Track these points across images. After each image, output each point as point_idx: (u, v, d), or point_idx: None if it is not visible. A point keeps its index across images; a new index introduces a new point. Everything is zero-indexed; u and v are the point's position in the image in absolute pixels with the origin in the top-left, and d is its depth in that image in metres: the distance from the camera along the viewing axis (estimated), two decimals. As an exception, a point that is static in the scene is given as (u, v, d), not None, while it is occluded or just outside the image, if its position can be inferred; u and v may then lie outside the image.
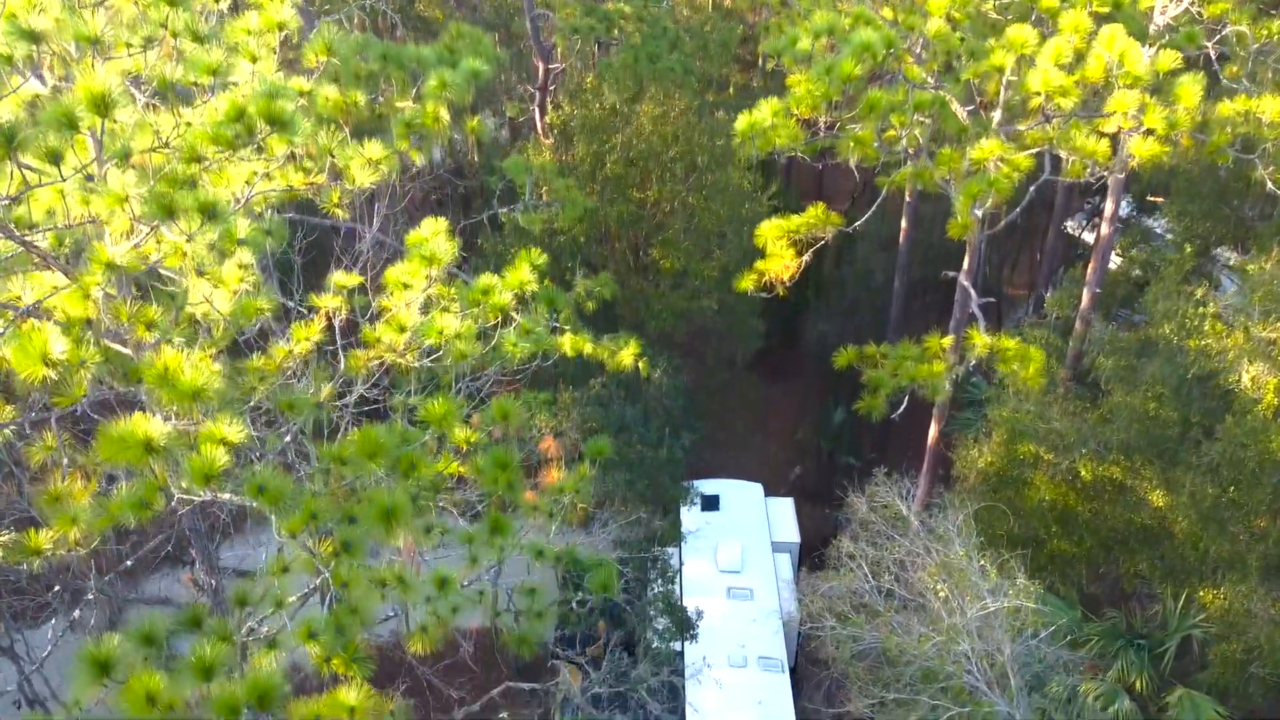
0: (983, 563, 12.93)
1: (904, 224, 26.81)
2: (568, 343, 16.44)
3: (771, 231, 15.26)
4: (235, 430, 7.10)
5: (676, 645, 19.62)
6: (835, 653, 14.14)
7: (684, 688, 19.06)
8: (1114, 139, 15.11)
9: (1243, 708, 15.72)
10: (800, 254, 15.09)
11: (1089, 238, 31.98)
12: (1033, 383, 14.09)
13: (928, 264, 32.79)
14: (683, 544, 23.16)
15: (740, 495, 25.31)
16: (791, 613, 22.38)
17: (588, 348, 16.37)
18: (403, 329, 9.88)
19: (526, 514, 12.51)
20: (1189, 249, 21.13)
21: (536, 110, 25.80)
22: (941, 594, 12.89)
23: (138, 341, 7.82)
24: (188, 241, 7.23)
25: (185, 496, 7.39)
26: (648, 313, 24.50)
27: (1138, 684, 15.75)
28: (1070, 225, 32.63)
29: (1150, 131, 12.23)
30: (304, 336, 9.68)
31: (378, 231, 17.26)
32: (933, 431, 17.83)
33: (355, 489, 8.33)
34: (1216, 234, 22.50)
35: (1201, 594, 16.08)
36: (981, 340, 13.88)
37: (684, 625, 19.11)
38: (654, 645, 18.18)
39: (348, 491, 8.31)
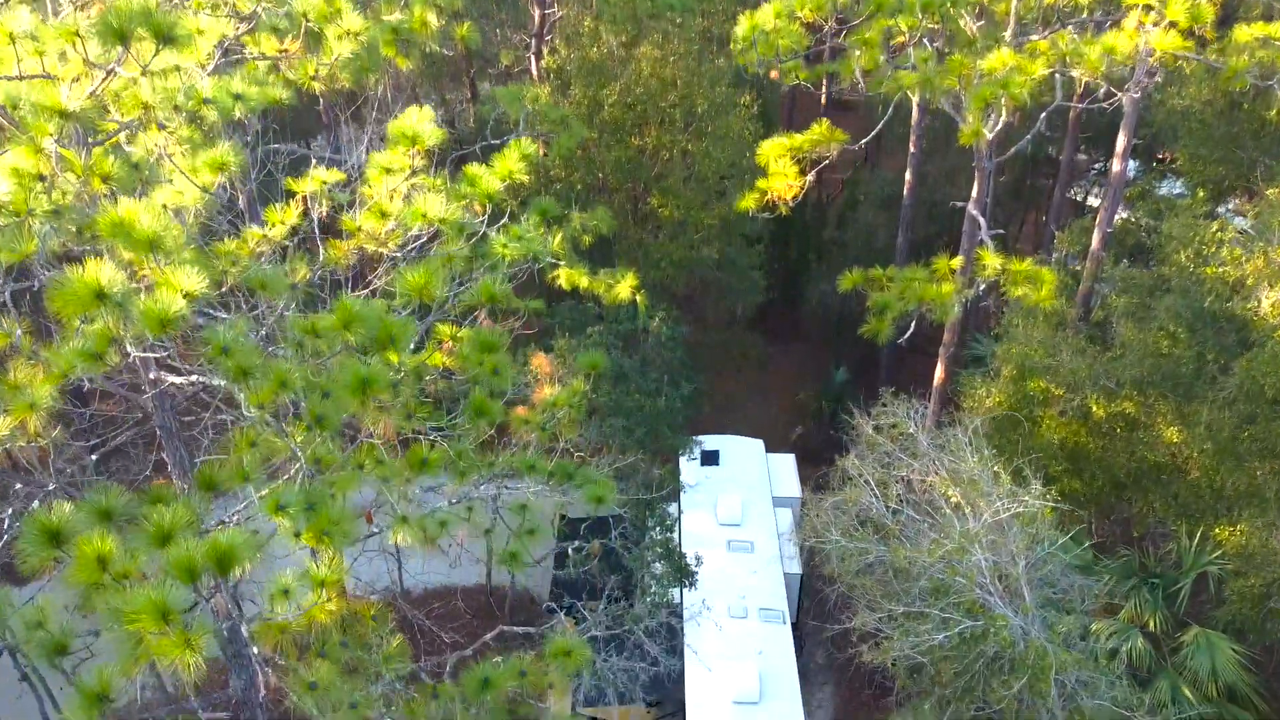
0: (996, 468, 12.39)
1: (908, 177, 26.20)
2: (563, 275, 15.93)
3: (774, 150, 14.70)
4: (195, 279, 6.55)
5: (675, 593, 19.15)
6: (841, 567, 13.57)
7: (682, 630, 18.56)
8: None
9: (1260, 645, 15.22)
10: (804, 174, 14.50)
11: (1095, 203, 31.44)
12: (1045, 303, 13.55)
13: (931, 222, 32.24)
14: (682, 496, 22.67)
15: (740, 450, 24.80)
16: (794, 567, 21.94)
17: (584, 280, 15.83)
18: (384, 215, 9.33)
19: (517, 428, 12.05)
20: (1201, 194, 20.57)
21: (532, 57, 25.20)
22: (953, 499, 12.34)
23: (93, 195, 7.27)
24: (143, 75, 6.67)
25: (143, 355, 6.85)
26: (646, 262, 23.93)
27: (1151, 623, 15.25)
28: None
29: (1173, 24, 11.65)
30: (279, 220, 9.13)
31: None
32: (939, 371, 17.27)
33: (330, 367, 7.78)
34: (1229, 179, 21.93)
35: (1218, 531, 15.57)
36: (992, 259, 13.33)
37: (682, 571, 18.61)
38: (652, 590, 17.68)
39: (322, 370, 7.76)
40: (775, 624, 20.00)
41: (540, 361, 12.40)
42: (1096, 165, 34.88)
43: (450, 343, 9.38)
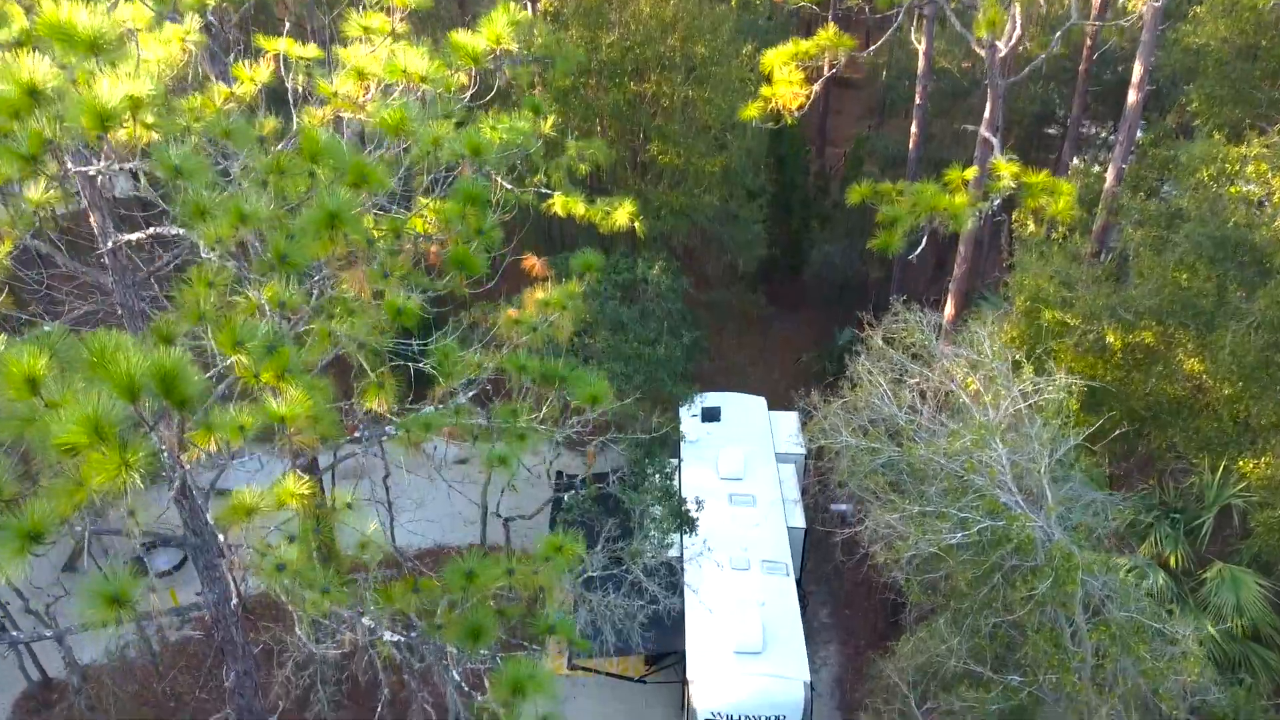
0: (1017, 356, 11.69)
1: (914, 130, 25.54)
2: (559, 203, 15.29)
3: (779, 57, 14.03)
4: (139, 85, 5.89)
5: (675, 539, 18.51)
6: (852, 467, 12.86)
7: (682, 569, 17.90)
8: None
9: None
10: (810, 83, 13.83)
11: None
12: (1064, 215, 12.88)
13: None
14: (682, 449, 22.03)
15: (742, 406, 24.14)
16: (798, 521, 21.28)
17: (580, 209, 15.21)
18: (362, 76, 8.68)
19: (508, 330, 11.41)
20: (1216, 137, 19.92)
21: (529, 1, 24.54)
22: (971, 386, 11.65)
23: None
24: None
25: (81, 171, 6.19)
26: (646, 212, 23.22)
27: (1172, 560, 14.58)
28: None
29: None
30: (248, 78, 8.47)
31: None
32: (949, 308, 16.59)
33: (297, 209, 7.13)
34: (1247, 121, 21.25)
35: (1241, 463, 14.90)
36: (1007, 168, 12.68)
37: (681, 517, 17.96)
38: (651, 533, 17.03)
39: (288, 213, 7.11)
40: (778, 575, 19.34)
41: (532, 263, 11.75)
42: (1100, 136, 34.26)
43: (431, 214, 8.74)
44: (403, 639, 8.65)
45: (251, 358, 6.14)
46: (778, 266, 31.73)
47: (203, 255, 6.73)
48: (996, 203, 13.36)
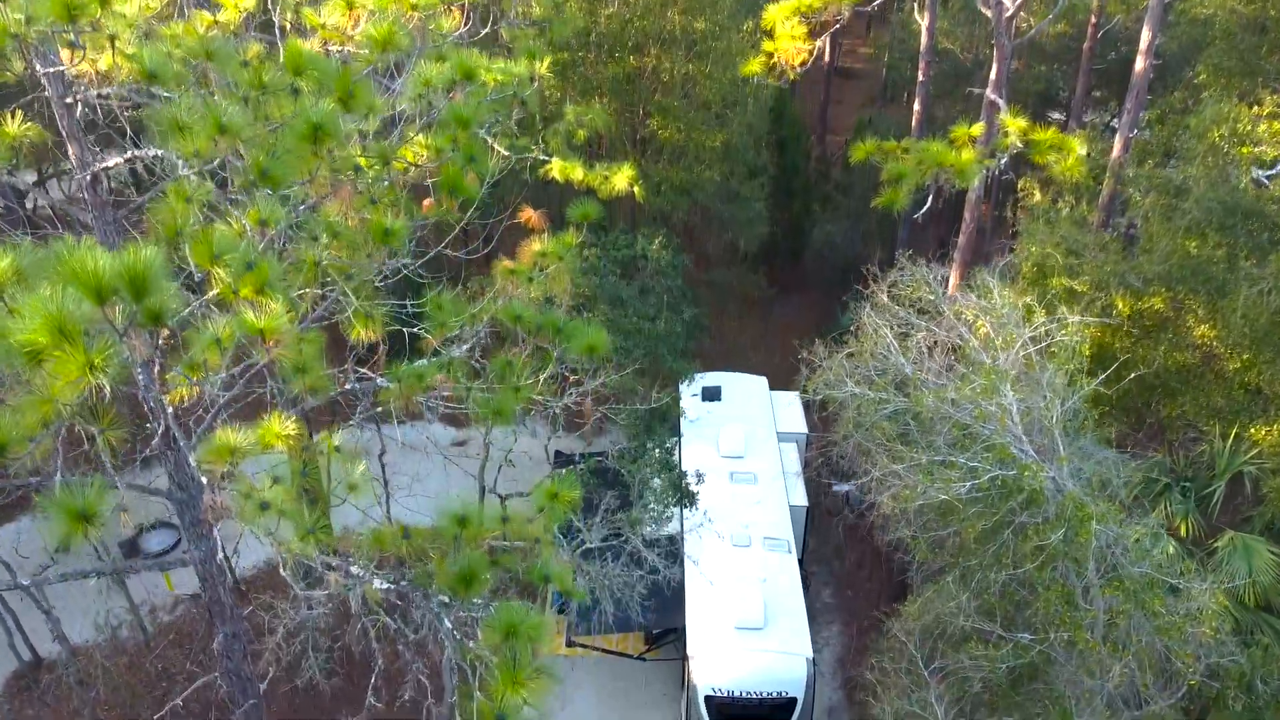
0: (1029, 300, 11.37)
1: (916, 108, 25.23)
2: (556, 167, 15.01)
3: (782, 11, 13.74)
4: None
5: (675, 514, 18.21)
6: (858, 417, 12.52)
7: (682, 539, 17.59)
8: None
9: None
10: (814, 37, 13.53)
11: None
12: (1072, 172, 12.58)
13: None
14: (683, 426, 21.74)
15: (743, 386, 23.85)
16: (799, 499, 20.98)
17: (578, 173, 14.92)
18: (351, 5, 8.38)
19: (503, 280, 11.11)
20: (1217, 133, 19.63)
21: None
22: (981, 330, 11.33)
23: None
24: None
25: (48, 71, 5.89)
26: (645, 187, 22.93)
27: (1182, 529, 14.27)
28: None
29: None
30: (232, 4, 8.17)
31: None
32: (953, 277, 16.29)
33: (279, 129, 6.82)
34: (1254, 93, 20.96)
35: (1253, 431, 14.60)
36: (1015, 124, 12.38)
37: (681, 491, 17.66)
38: (650, 505, 16.72)
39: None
40: (780, 552, 19.04)
41: (529, 215, 11.43)
42: (1108, 121, 33.96)
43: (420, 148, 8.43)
44: (392, 587, 8.34)
45: (230, 272, 5.84)
46: (779, 250, 31.42)
47: (181, 172, 6.43)
48: (1004, 160, 13.07)
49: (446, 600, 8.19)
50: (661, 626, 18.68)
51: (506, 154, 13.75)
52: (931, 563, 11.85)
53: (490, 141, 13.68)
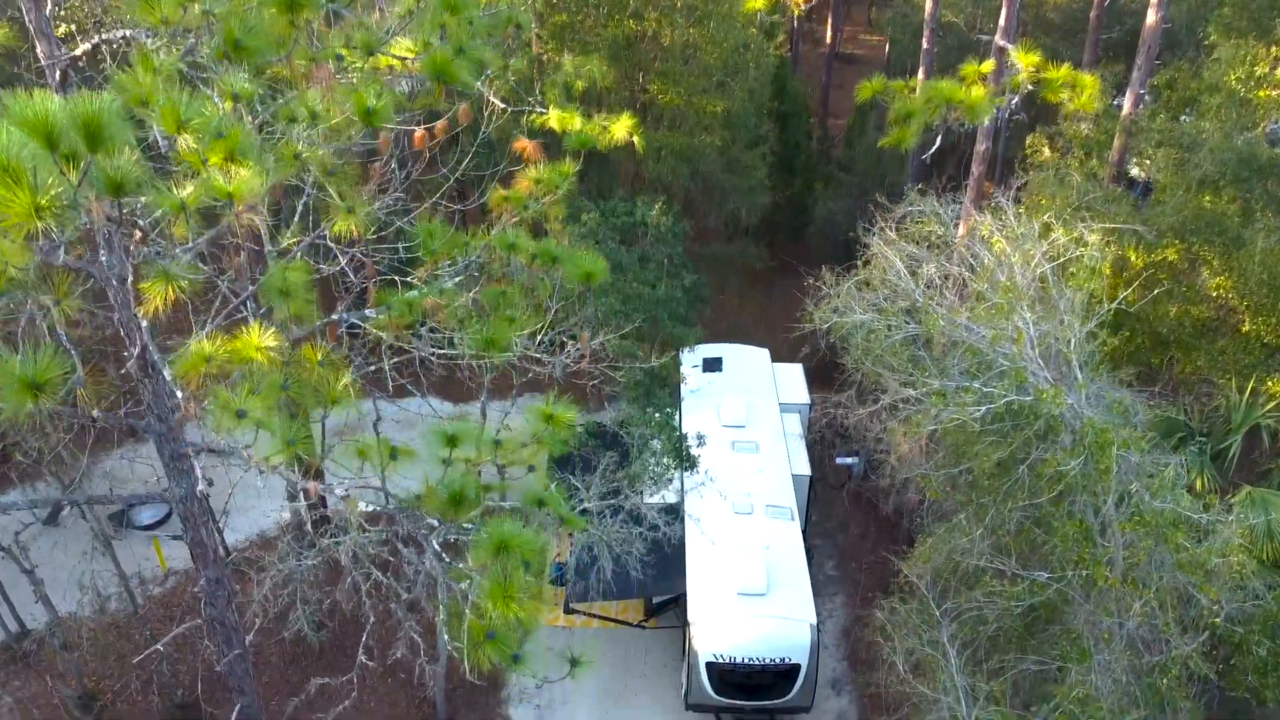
0: (1046, 219, 10.92)
1: (920, 77, 24.82)
2: (554, 117, 14.61)
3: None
4: None
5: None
6: (867, 344, 12.06)
7: (682, 498, 17.17)
8: None
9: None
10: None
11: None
12: (1087, 108, 12.13)
13: (947, 130, 30.92)
14: (683, 392, 21.34)
15: (745, 357, 23.43)
16: (802, 469, 20.55)
17: (576, 123, 14.52)
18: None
19: (497, 208, 10.71)
20: (1234, 75, 19.21)
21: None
22: (996, 246, 10.89)
23: None
24: None
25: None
26: (646, 153, 22.53)
27: (1198, 483, 13.85)
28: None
29: None
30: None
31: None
32: (961, 229, 15.84)
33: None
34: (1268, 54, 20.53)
35: (1270, 384, 14.19)
36: (1026, 60, 11.93)
37: (681, 454, 17.24)
38: (651, 465, 16.30)
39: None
40: (783, 520, 18.61)
41: (524, 145, 11.02)
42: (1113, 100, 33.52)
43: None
44: (377, 507, 7.93)
45: (198, 138, 5.43)
46: (780, 228, 31.04)
47: (148, 46, 6.01)
48: (1015, 101, 12.61)
49: (435, 524, 7.79)
50: (661, 593, 18.26)
51: (503, 106, 13.37)
52: (943, 504, 11.41)
53: (487, 94, 13.28)
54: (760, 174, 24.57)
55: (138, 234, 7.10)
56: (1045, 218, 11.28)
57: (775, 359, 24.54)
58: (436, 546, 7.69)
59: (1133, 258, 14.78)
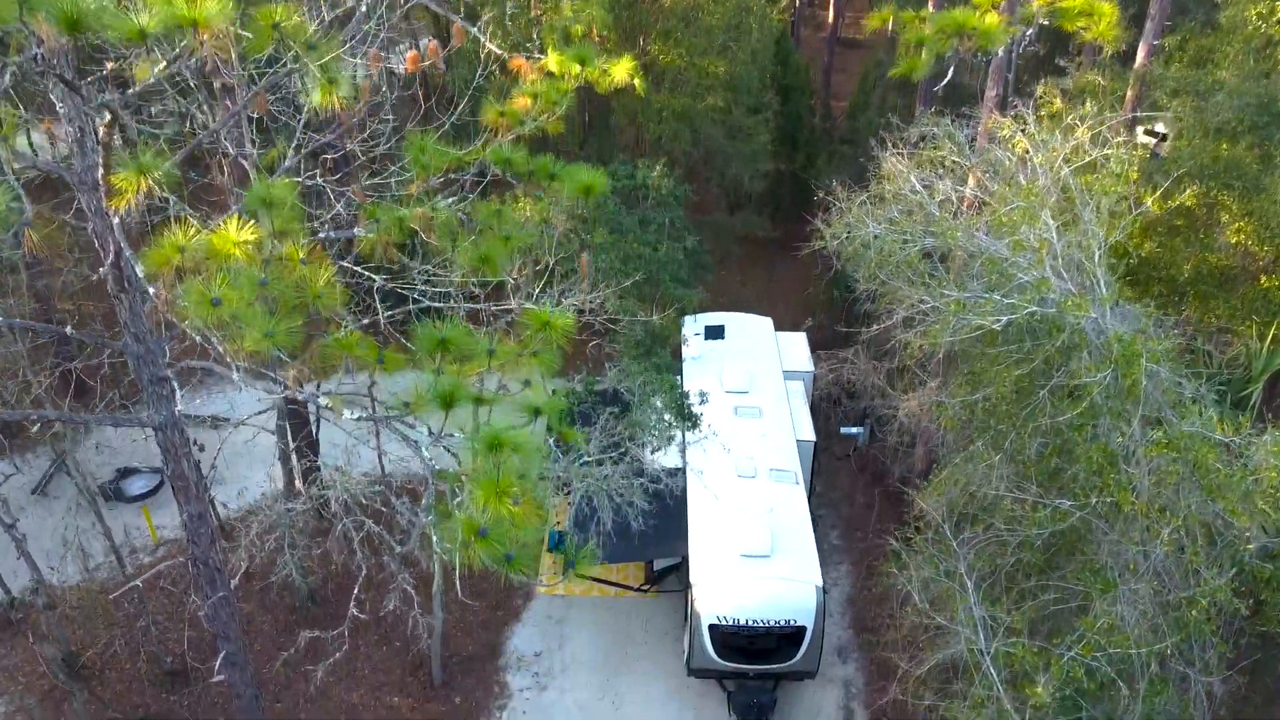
0: (1073, 118, 10.43)
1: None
2: (552, 60, 14.16)
3: None
4: None
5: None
6: (880, 259, 11.56)
7: (684, 450, 16.72)
8: None
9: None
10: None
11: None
12: (1105, 36, 11.68)
13: (952, 97, 30.49)
14: (684, 361, 20.91)
15: (748, 325, 23.01)
16: (806, 435, 20.10)
17: (575, 68, 14.09)
18: None
19: (493, 123, 10.26)
20: (1255, 10, 18.72)
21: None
22: (1018, 147, 10.41)
23: None
24: None
25: None
26: (647, 115, 22.09)
27: (1218, 431, 13.39)
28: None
29: None
30: None
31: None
32: (970, 180, 15.38)
33: None
34: None
35: (1293, 330, 13.74)
36: (1041, -15, 11.49)
37: (682, 411, 16.79)
38: (653, 420, 15.84)
39: None
40: (787, 483, 18.17)
41: (520, 63, 10.57)
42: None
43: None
44: (363, 414, 7.48)
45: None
46: (783, 202, 30.62)
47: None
48: (1030, 32, 12.18)
49: (426, 431, 7.34)
50: (662, 556, 17.83)
51: (500, 51, 12.94)
52: (962, 435, 10.93)
53: (482, 38, 12.86)
54: (762, 139, 24.12)
55: (108, 115, 6.65)
56: (1070, 119, 10.78)
57: (778, 329, 24.11)
58: (426, 454, 7.25)
59: (1150, 204, 14.33)
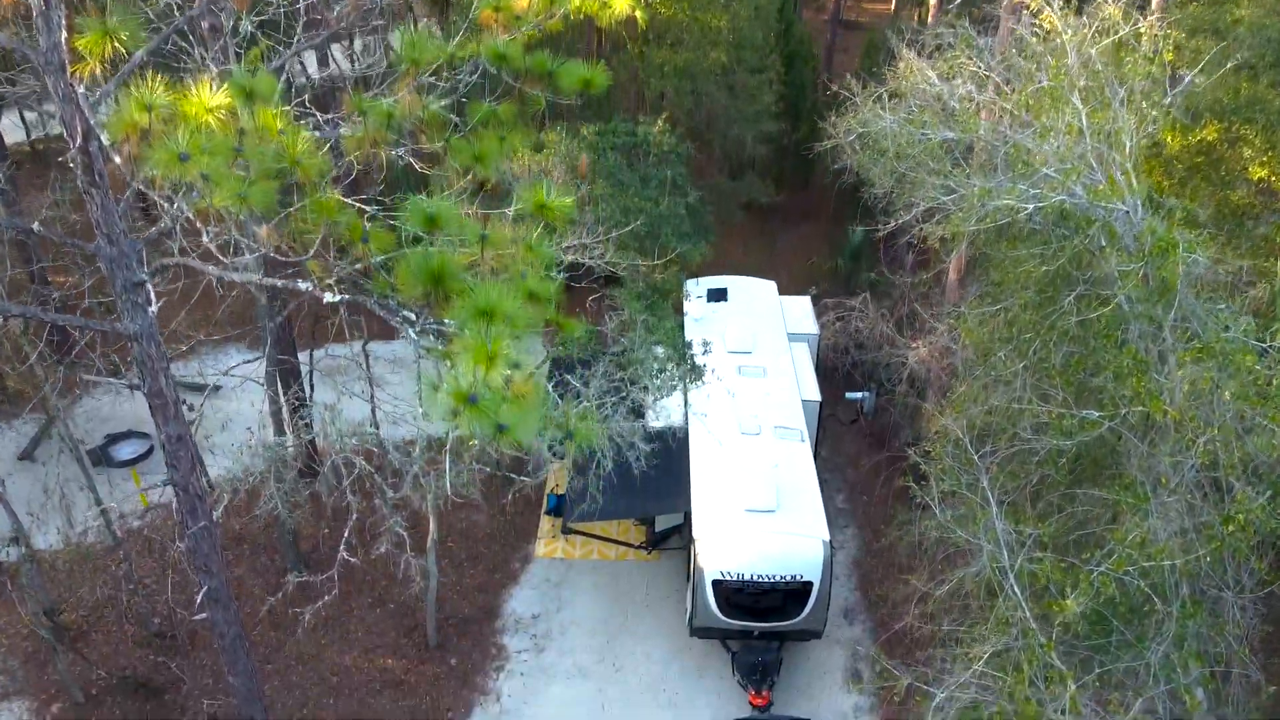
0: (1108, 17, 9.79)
1: (932, 3, 23.91)
2: (550, -9, 13.69)
3: None
4: None
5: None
6: (899, 150, 11.01)
7: (686, 392, 16.21)
8: None
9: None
10: None
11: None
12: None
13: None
14: (686, 322, 20.41)
15: (751, 288, 22.51)
16: (811, 395, 19.61)
17: (574, 2, 13.61)
18: None
19: (486, 21, 9.77)
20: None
21: None
22: (1047, 20, 9.83)
23: None
24: None
25: None
26: (647, 72, 21.58)
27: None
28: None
29: None
30: None
31: None
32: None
33: None
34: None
35: (1318, 267, 13.20)
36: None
37: (683, 357, 16.30)
38: (653, 368, 15.34)
39: None
40: (792, 441, 17.67)
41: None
42: None
43: None
44: (347, 298, 6.99)
45: None
46: (786, 173, 30.17)
47: None
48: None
49: (412, 315, 6.86)
50: (663, 512, 17.33)
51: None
52: (981, 353, 10.39)
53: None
54: (765, 100, 23.61)
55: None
56: (1105, 17, 10.20)
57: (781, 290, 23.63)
58: (414, 334, 6.75)
59: (1169, 140, 13.83)
